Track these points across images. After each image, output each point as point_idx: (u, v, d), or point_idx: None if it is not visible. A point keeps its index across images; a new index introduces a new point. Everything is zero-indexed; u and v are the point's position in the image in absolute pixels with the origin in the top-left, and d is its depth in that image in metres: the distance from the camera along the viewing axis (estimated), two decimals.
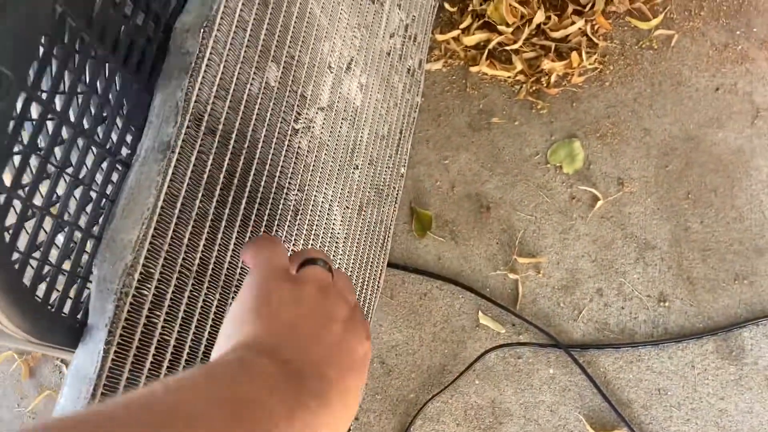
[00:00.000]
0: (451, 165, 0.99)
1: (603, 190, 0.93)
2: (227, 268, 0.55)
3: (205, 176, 0.52)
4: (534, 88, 1.00)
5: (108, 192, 0.48)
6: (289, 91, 0.63)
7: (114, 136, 0.49)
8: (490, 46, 1.02)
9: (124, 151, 0.49)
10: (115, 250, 0.45)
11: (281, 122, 0.62)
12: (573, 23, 0.99)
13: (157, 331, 0.47)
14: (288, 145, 0.64)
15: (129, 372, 0.44)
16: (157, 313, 0.48)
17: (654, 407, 0.84)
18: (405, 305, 0.93)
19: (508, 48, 1.01)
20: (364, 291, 0.86)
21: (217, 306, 0.54)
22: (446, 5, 1.06)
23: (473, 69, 1.03)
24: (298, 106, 0.65)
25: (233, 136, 0.55)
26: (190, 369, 0.33)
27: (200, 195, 0.51)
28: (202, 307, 0.52)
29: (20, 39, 0.34)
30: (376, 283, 0.90)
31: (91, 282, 0.44)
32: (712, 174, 0.92)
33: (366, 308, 0.87)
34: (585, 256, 0.91)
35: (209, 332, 0.54)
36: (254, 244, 0.44)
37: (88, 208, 0.45)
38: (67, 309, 0.44)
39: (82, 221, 0.44)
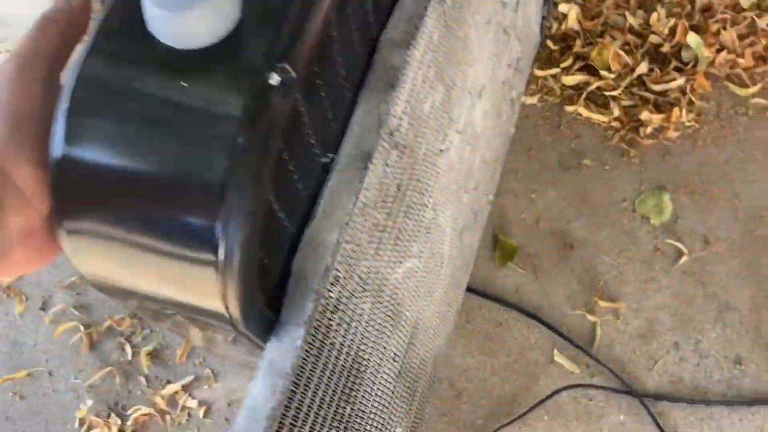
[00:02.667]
0: (538, 199, 1.00)
1: (688, 246, 0.95)
2: (381, 279, 0.56)
3: (385, 188, 0.53)
4: (628, 136, 1.02)
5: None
6: (444, 112, 0.64)
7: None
8: (590, 89, 1.04)
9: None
10: (316, 249, 0.45)
11: (434, 141, 0.63)
12: (674, 80, 1.01)
13: (332, 334, 0.48)
14: (434, 164, 0.65)
15: (320, 370, 0.45)
16: (335, 316, 0.48)
17: None
18: (480, 331, 0.94)
19: (607, 93, 1.03)
20: (448, 312, 0.87)
21: (368, 313, 0.55)
22: (549, 42, 1.08)
23: (569, 108, 1.04)
24: (445, 127, 0.66)
25: (407, 151, 0.56)
26: None
27: (378, 206, 0.52)
28: (358, 313, 0.53)
29: (305, 44, 0.36)
30: (458, 305, 0.91)
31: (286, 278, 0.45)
32: None
33: (445, 329, 0.88)
34: (665, 309, 0.92)
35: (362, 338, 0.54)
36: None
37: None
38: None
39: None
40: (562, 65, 1.06)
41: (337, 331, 0.49)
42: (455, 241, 0.83)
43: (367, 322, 0.55)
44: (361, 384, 0.55)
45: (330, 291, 0.46)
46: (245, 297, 0.38)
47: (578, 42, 1.06)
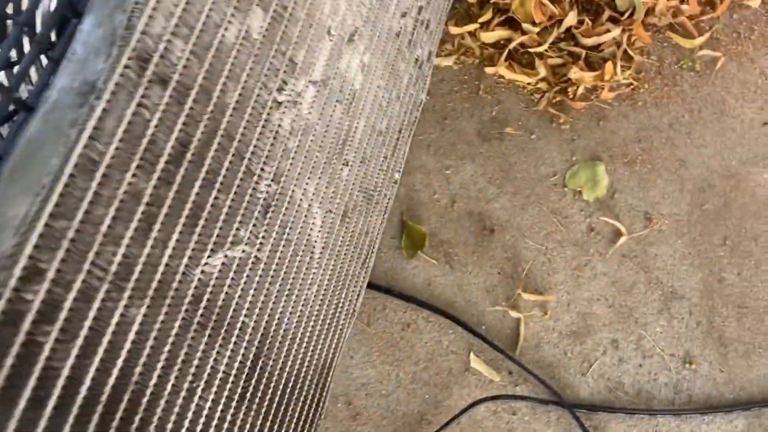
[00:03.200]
0: (453, 176, 0.84)
1: (627, 225, 0.80)
2: (162, 272, 0.40)
3: (145, 141, 0.36)
4: (557, 98, 0.87)
5: None
6: (276, 50, 0.48)
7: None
8: (511, 46, 0.88)
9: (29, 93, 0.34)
10: None
11: (261, 89, 0.47)
12: (608, 31, 0.87)
13: (41, 360, 0.31)
14: (266, 120, 0.49)
15: None
16: (46, 327, 0.32)
17: None
18: (383, 336, 0.78)
19: (531, 50, 0.88)
20: (338, 316, 0.71)
21: (141, 324, 0.39)
22: None
23: (489, 70, 0.89)
24: (284, 72, 0.50)
25: (193, 93, 0.40)
26: None
27: (134, 166, 0.36)
28: (117, 323, 0.37)
29: None
30: (353, 306, 0.75)
31: None
32: (754, 219, 0.79)
33: (338, 337, 0.72)
34: (601, 300, 0.77)
35: (127, 358, 0.38)
36: None
37: None
38: None
39: None
40: (481, 20, 0.91)
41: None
42: (334, 226, 0.67)
43: (141, 333, 0.39)
44: None
45: (23, 291, 0.30)
46: None
47: None
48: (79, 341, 0.34)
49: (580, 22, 0.88)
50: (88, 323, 0.35)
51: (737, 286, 0.77)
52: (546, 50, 0.88)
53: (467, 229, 0.82)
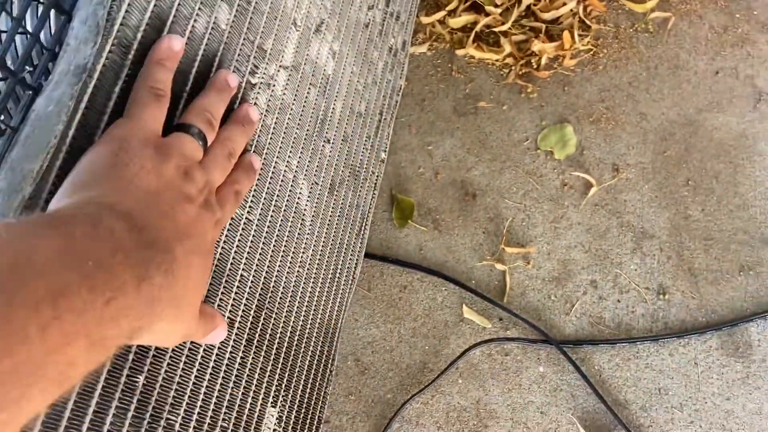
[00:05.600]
0: (435, 151, 0.93)
1: (597, 177, 0.87)
2: None
3: None
4: (523, 71, 0.95)
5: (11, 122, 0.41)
6: (244, 39, 0.57)
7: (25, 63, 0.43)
8: (477, 28, 0.97)
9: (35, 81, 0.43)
10: (12, 181, 0.39)
11: (234, 71, 0.56)
12: (564, 4, 0.94)
13: None
14: (242, 98, 0.58)
15: None
16: None
17: (654, 408, 0.76)
18: (383, 299, 0.86)
19: (496, 30, 0.96)
20: (337, 281, 0.80)
21: None
22: None
23: (459, 52, 0.97)
24: (255, 58, 0.59)
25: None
26: (30, 217, 0.31)
27: None
28: None
29: None
30: (352, 273, 0.84)
31: None
32: (714, 160, 0.85)
33: (340, 301, 0.80)
34: (578, 246, 0.84)
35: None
36: (145, 83, 0.41)
37: None
38: None
39: None
40: (448, 8, 0.99)
41: None
42: (321, 197, 0.75)
43: None
44: None
45: None
46: None
47: None
48: None
49: (538, 0, 0.96)
50: None
51: (702, 221, 0.83)
52: (509, 28, 0.96)
53: (451, 197, 0.90)
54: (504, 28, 0.95)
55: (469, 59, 0.97)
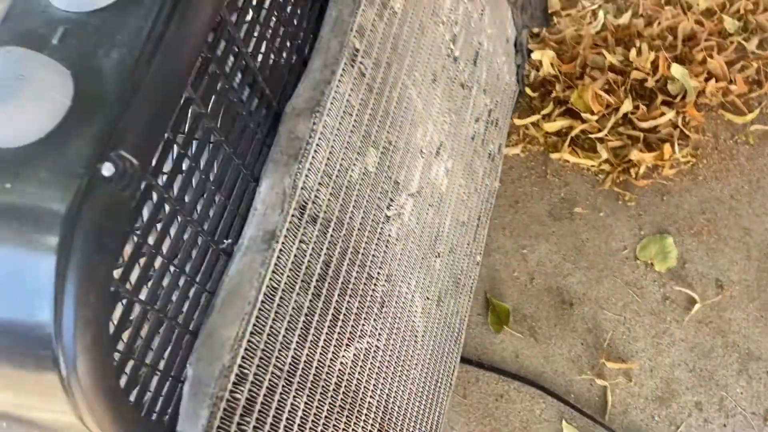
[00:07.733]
0: (530, 255, 0.93)
1: (700, 292, 0.86)
2: (316, 368, 0.50)
3: (303, 267, 0.48)
4: (621, 178, 0.95)
5: (207, 285, 0.44)
6: (385, 176, 0.60)
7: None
8: (573, 134, 0.98)
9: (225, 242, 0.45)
10: (212, 348, 0.40)
11: (375, 209, 0.58)
12: (663, 114, 0.95)
13: None
14: (380, 233, 0.60)
15: None
16: (248, 419, 0.43)
17: None
18: (479, 406, 0.86)
19: (592, 136, 0.97)
20: (436, 389, 0.80)
21: (303, 410, 0.49)
22: (528, 90, 1.03)
23: (554, 156, 0.99)
24: (391, 192, 0.62)
25: (332, 224, 0.51)
26: None
27: (297, 287, 0.47)
28: (290, 411, 0.47)
29: (150, 125, 0.32)
30: (450, 380, 0.84)
31: (183, 381, 0.40)
32: None
33: (439, 410, 0.80)
34: (682, 365, 0.83)
35: None
36: None
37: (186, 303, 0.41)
38: (157, 408, 0.39)
39: (180, 317, 0.40)
40: (543, 112, 1.01)
41: None
42: (431, 311, 0.76)
43: (303, 419, 0.49)
44: None
45: (235, 392, 0.41)
46: (103, 409, 0.33)
47: (557, 87, 1.01)
48: (267, 428, 0.44)
49: (636, 107, 0.97)
50: (272, 412, 0.45)
51: None
52: (606, 135, 0.97)
53: (547, 304, 0.90)
54: (601, 135, 0.96)
55: (563, 162, 0.99)
